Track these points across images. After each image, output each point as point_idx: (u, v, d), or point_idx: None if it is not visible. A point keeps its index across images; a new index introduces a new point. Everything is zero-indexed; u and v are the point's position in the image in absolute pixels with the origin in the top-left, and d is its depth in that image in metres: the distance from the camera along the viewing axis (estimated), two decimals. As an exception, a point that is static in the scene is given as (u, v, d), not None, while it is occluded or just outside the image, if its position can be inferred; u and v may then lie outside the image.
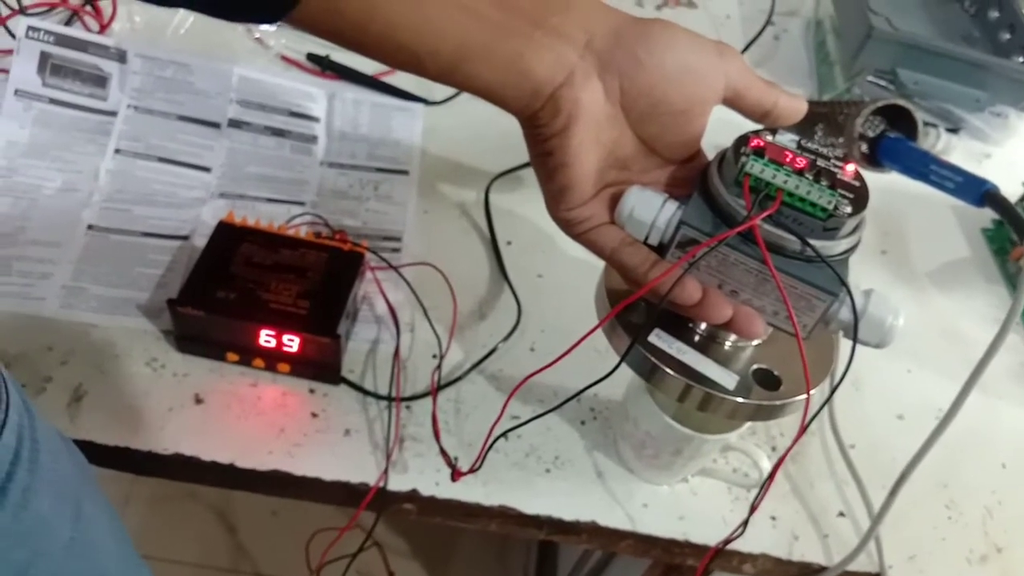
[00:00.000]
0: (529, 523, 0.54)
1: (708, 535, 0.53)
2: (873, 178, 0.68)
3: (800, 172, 0.36)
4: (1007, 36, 0.86)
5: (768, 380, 0.41)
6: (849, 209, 0.35)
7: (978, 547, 0.57)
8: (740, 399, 0.40)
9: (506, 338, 0.61)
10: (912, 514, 0.57)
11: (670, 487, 0.56)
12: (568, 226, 0.41)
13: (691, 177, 0.40)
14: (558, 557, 1.15)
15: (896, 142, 0.62)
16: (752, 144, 0.37)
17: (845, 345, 0.40)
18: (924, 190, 0.60)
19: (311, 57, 0.75)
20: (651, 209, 0.38)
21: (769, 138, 0.37)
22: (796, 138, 0.38)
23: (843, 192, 0.36)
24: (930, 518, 0.58)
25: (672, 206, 0.38)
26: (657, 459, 0.53)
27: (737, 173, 0.36)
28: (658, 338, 0.41)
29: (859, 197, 0.36)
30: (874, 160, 0.64)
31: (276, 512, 1.24)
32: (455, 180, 0.71)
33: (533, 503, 0.53)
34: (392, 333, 0.59)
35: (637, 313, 0.41)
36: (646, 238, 0.39)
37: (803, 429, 0.38)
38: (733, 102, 0.40)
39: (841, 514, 0.57)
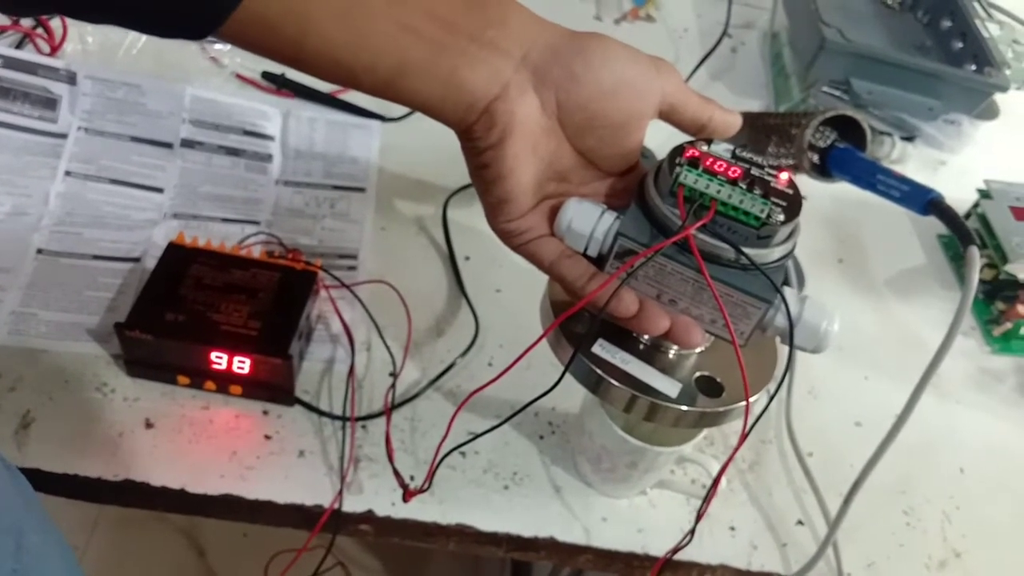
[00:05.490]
0: (487, 541, 0.53)
1: (668, 547, 0.53)
2: (829, 187, 0.68)
3: (734, 181, 0.36)
4: (959, 45, 0.87)
5: (711, 387, 0.41)
6: (782, 217, 0.35)
7: (937, 553, 0.57)
8: (684, 407, 0.40)
9: (464, 354, 0.60)
10: (870, 521, 0.57)
11: (629, 500, 0.56)
12: (507, 238, 0.41)
13: (630, 188, 0.40)
14: (532, 573, 1.14)
15: (844, 152, 0.62)
16: (687, 154, 0.37)
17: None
18: (879, 199, 0.61)
19: (266, 75, 0.75)
20: (589, 221, 0.38)
21: (704, 148, 0.38)
22: (731, 147, 0.38)
23: (776, 200, 0.36)
24: (888, 525, 0.58)
25: (610, 217, 0.38)
26: (614, 472, 0.53)
27: (672, 183, 0.36)
28: (602, 348, 0.40)
29: (792, 205, 0.36)
30: (825, 171, 0.65)
31: (247, 533, 1.22)
32: (413, 196, 0.70)
33: (491, 520, 0.53)
34: (347, 352, 0.58)
35: (582, 324, 0.41)
36: (585, 250, 0.39)
37: (744, 435, 0.38)
38: (669, 116, 0.40)
39: (799, 522, 0.57)
